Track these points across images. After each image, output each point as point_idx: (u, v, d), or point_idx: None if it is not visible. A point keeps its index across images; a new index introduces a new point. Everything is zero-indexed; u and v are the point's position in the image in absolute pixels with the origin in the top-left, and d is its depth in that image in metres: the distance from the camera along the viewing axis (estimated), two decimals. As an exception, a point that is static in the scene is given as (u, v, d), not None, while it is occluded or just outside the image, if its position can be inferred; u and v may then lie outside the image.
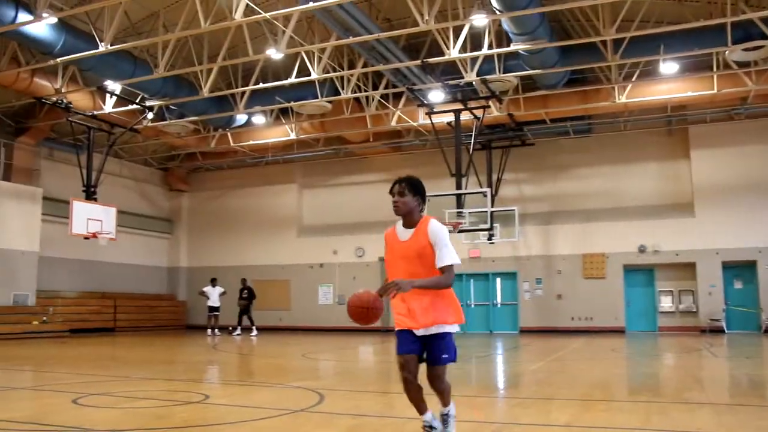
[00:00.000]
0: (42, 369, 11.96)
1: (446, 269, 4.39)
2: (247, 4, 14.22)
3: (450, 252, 4.39)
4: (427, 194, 4.63)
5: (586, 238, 24.10)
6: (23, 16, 15.03)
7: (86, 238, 19.99)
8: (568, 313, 24.04)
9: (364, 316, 4.26)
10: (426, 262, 4.43)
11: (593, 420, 6.07)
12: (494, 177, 23.51)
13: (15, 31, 15.43)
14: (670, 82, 19.95)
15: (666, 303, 23.42)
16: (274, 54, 16.72)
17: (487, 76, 18.46)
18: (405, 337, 4.47)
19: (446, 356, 4.49)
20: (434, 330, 4.45)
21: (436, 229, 4.45)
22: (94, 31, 16.20)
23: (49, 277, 23.74)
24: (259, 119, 23.98)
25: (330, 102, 21.22)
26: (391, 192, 4.53)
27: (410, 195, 4.51)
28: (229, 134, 25.20)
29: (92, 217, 19.90)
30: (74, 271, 25.23)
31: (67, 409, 6.61)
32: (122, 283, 27.38)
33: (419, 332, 4.44)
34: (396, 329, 4.54)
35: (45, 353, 15.28)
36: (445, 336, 4.47)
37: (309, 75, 18.18)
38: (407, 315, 4.45)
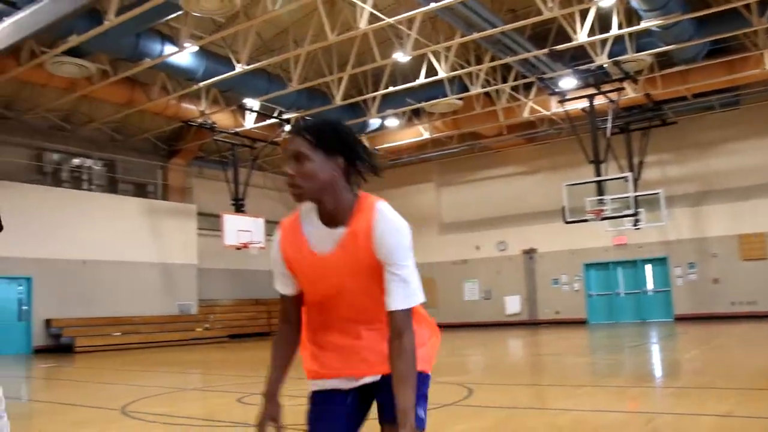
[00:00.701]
0: (208, 372, 12.88)
1: (401, 316, 2.08)
2: (371, 12, 14.58)
3: (413, 277, 2.10)
4: (362, 148, 2.11)
5: (741, 217, 22.52)
6: (169, 48, 16.38)
7: (238, 248, 21.26)
8: (727, 297, 22.59)
9: None
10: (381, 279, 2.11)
11: (757, 410, 5.70)
12: (635, 160, 22.55)
13: (163, 62, 16.78)
14: (828, 41, 18.27)
15: (843, 283, 21.44)
16: (401, 57, 17.01)
17: (619, 57, 17.79)
18: (328, 407, 2.36)
19: (421, 413, 2.16)
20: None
21: (387, 227, 2.06)
22: (230, 54, 17.26)
23: (208, 286, 25.37)
24: (392, 122, 24.44)
25: (460, 99, 21.23)
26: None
27: (320, 156, 2.03)
28: (364, 139, 25.83)
29: (242, 229, 21.13)
30: (229, 281, 26.79)
31: (234, 408, 7.11)
32: (273, 289, 28.38)
33: (359, 382, 2.32)
34: (312, 388, 2.43)
35: (209, 357, 16.41)
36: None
37: (437, 74, 18.33)
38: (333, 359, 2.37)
